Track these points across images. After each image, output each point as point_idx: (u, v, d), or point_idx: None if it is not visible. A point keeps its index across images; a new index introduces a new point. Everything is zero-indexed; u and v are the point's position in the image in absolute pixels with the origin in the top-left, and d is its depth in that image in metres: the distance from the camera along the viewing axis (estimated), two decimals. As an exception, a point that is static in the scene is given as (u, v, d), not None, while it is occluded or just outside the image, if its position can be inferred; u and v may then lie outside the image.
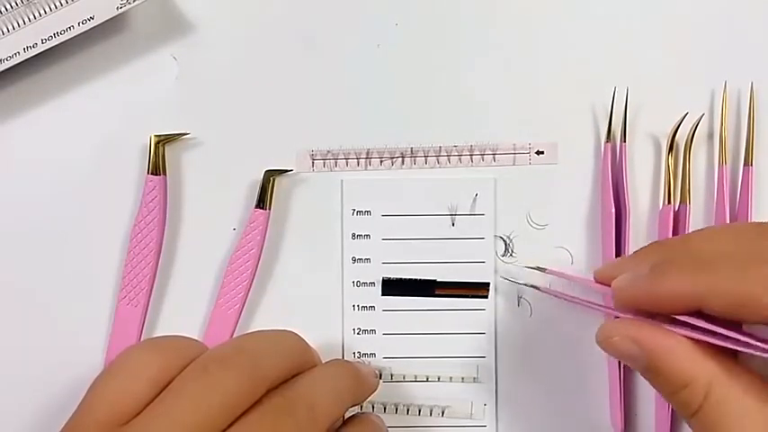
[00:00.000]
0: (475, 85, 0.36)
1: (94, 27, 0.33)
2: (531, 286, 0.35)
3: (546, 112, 0.36)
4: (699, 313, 0.27)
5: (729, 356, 0.28)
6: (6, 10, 0.33)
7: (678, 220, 0.35)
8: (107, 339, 0.36)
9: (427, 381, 0.36)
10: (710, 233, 0.30)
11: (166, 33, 0.36)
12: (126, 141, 0.36)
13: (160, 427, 0.28)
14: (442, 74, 0.36)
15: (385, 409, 0.36)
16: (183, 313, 0.36)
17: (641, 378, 0.35)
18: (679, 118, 0.35)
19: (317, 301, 0.36)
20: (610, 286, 0.31)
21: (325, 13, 0.36)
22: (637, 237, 0.35)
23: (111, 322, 0.36)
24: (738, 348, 0.27)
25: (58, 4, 0.33)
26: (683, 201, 0.35)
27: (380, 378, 0.36)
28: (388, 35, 0.36)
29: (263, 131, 0.36)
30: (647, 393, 0.35)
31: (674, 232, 0.35)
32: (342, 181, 0.36)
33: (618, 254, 0.35)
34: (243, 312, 0.36)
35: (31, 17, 0.33)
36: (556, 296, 0.35)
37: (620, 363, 0.35)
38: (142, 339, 0.36)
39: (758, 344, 0.26)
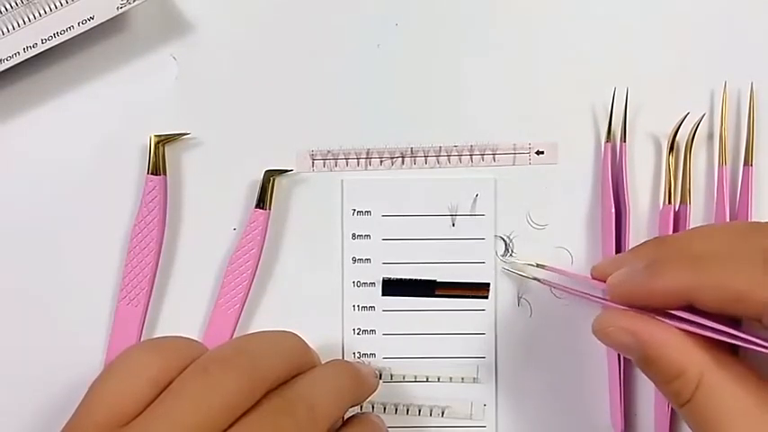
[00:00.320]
0: (475, 85, 0.36)
1: (94, 27, 0.33)
2: (533, 278, 0.35)
3: (546, 112, 0.36)
4: (692, 308, 0.28)
5: (722, 349, 0.28)
6: (6, 10, 0.33)
7: (678, 220, 0.35)
8: (107, 339, 0.36)
9: (427, 381, 0.36)
10: (705, 231, 0.31)
11: (166, 33, 0.36)
12: (126, 141, 0.36)
13: (160, 428, 0.28)
14: (441, 74, 0.36)
15: (385, 409, 0.36)
16: (183, 313, 0.36)
17: (641, 378, 0.35)
18: (679, 118, 0.35)
19: (317, 301, 0.36)
20: (606, 282, 0.32)
21: (325, 13, 0.36)
22: (637, 237, 0.35)
23: (111, 322, 0.36)
24: (729, 341, 0.28)
25: (57, 4, 0.33)
26: (683, 201, 0.35)
27: (380, 378, 0.36)
28: (388, 35, 0.36)
29: (263, 131, 0.36)
30: (647, 393, 0.35)
31: (675, 232, 0.35)
32: (342, 181, 0.36)
33: (618, 254, 0.35)
34: (243, 312, 0.36)
35: (31, 17, 0.33)
36: (556, 287, 0.35)
37: (619, 363, 0.35)
38: (142, 339, 0.36)
39: (747, 336, 0.27)
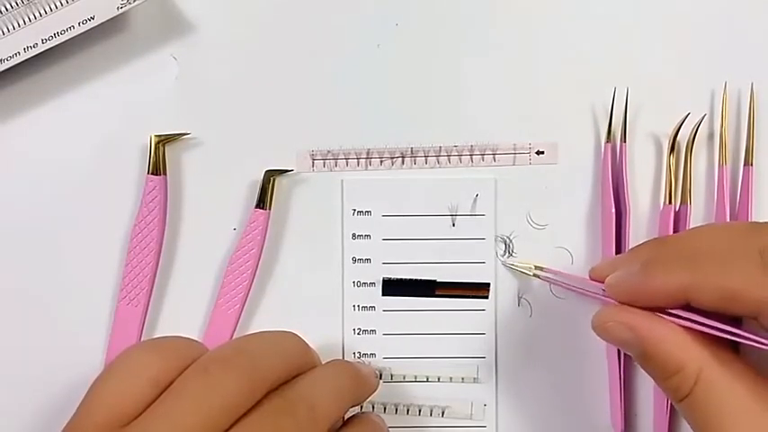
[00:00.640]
0: (475, 85, 0.36)
1: (94, 27, 0.33)
2: (534, 275, 0.35)
3: (546, 112, 0.36)
4: (690, 307, 0.29)
5: (722, 345, 0.29)
6: (6, 10, 0.33)
7: (679, 220, 0.35)
8: (107, 339, 0.36)
9: (427, 381, 0.36)
10: (703, 230, 0.31)
11: (166, 33, 0.36)
12: (126, 141, 0.36)
13: (160, 429, 0.28)
14: (441, 74, 0.36)
15: (385, 409, 0.36)
16: (183, 313, 0.36)
17: (641, 378, 0.35)
18: (680, 118, 0.35)
19: (317, 301, 0.36)
20: (601, 282, 0.32)
21: (325, 12, 0.36)
22: (637, 237, 0.35)
23: (111, 322, 0.36)
24: (727, 337, 0.28)
25: (58, 4, 0.33)
26: (683, 201, 0.35)
27: (380, 378, 0.36)
28: (388, 35, 0.36)
29: (263, 131, 0.36)
30: (647, 393, 0.35)
31: (675, 232, 0.35)
32: (342, 181, 0.36)
33: (618, 254, 0.35)
34: (243, 312, 0.35)
35: (31, 17, 0.33)
36: (555, 283, 0.35)
37: (619, 363, 0.35)
38: (142, 339, 0.36)
39: (744, 333, 0.28)
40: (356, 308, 0.36)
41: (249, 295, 0.35)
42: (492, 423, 0.36)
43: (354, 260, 0.36)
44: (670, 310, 0.29)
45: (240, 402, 0.29)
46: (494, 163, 0.36)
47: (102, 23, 0.33)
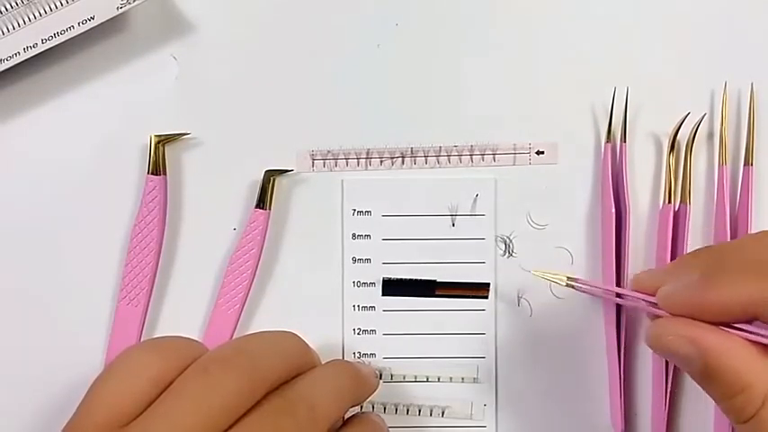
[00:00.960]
0: (475, 84, 0.36)
1: (94, 27, 0.33)
2: (567, 285, 0.33)
3: (546, 112, 0.36)
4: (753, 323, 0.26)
5: None
6: (6, 10, 0.33)
7: (678, 219, 0.35)
8: (107, 339, 0.36)
9: (427, 381, 0.36)
10: (764, 239, 0.29)
11: (166, 33, 0.36)
12: (126, 141, 0.36)
13: (160, 429, 0.28)
14: (441, 74, 0.36)
15: (385, 409, 0.36)
16: (183, 313, 0.36)
17: (641, 378, 0.35)
18: (679, 118, 0.35)
19: (317, 301, 0.36)
20: (647, 293, 0.30)
21: (325, 12, 0.36)
22: (637, 237, 0.35)
23: (111, 322, 0.36)
24: None
25: (58, 4, 0.33)
26: (683, 201, 0.35)
27: (380, 378, 0.36)
28: (388, 35, 0.36)
29: (263, 131, 0.36)
30: (646, 393, 0.35)
31: (674, 232, 0.35)
32: (342, 181, 0.36)
33: (618, 254, 0.35)
34: (243, 312, 0.36)
35: (31, 17, 0.33)
36: (594, 294, 0.34)
37: (619, 363, 0.34)
38: (142, 339, 0.36)
39: None
40: (356, 308, 0.36)
41: (249, 295, 0.35)
42: (492, 423, 0.36)
43: (354, 260, 0.36)
44: (734, 325, 0.27)
45: (240, 402, 0.29)
46: (494, 163, 0.36)
47: (102, 23, 0.33)
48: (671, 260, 0.34)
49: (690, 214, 0.35)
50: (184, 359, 0.30)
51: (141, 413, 0.29)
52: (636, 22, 0.36)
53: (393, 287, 0.36)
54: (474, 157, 0.36)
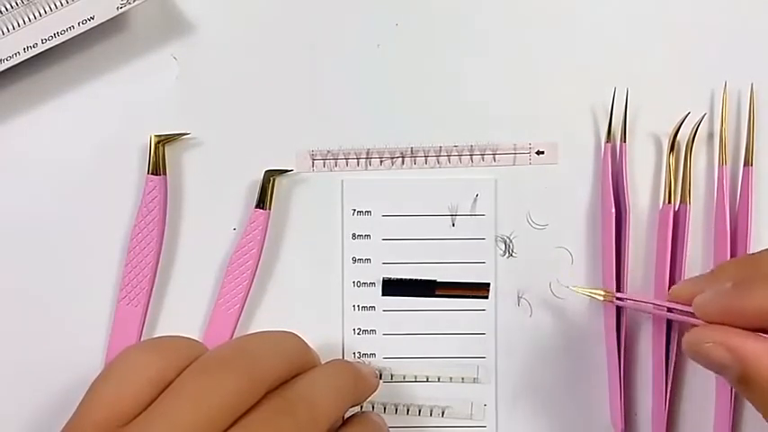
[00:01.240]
0: (475, 85, 0.36)
1: (94, 27, 0.33)
2: (606, 299, 0.34)
3: (546, 112, 0.36)
4: None
5: None
6: (6, 10, 0.33)
7: (678, 219, 0.35)
8: (107, 339, 0.36)
9: (427, 381, 0.36)
10: None
11: (166, 33, 0.36)
12: (126, 141, 0.36)
13: (159, 428, 0.28)
14: (441, 74, 0.36)
15: (385, 409, 0.36)
16: (183, 313, 0.36)
17: (641, 378, 0.35)
18: (680, 118, 0.35)
19: (317, 301, 0.36)
20: (683, 303, 0.30)
21: (325, 13, 0.36)
22: (637, 237, 0.35)
23: (111, 322, 0.36)
24: None
25: (58, 4, 0.33)
26: (683, 201, 0.35)
27: (380, 378, 0.36)
28: (388, 35, 0.36)
29: (263, 131, 0.36)
30: (646, 393, 0.35)
31: (674, 232, 0.35)
32: (342, 181, 0.36)
33: (618, 254, 0.35)
34: (243, 312, 0.36)
35: (31, 17, 0.33)
36: (632, 308, 0.34)
37: (619, 363, 0.34)
38: (142, 339, 0.36)
39: None
40: (356, 308, 0.36)
41: (249, 295, 0.35)
42: (492, 423, 0.36)
43: (354, 260, 0.36)
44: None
45: (240, 402, 0.28)
46: (494, 163, 0.36)
47: (102, 23, 0.33)
48: (671, 260, 0.35)
49: (690, 214, 0.35)
50: (184, 359, 0.30)
51: (141, 413, 0.28)
52: (636, 23, 0.36)
53: (393, 287, 0.36)
54: (474, 157, 0.36)
